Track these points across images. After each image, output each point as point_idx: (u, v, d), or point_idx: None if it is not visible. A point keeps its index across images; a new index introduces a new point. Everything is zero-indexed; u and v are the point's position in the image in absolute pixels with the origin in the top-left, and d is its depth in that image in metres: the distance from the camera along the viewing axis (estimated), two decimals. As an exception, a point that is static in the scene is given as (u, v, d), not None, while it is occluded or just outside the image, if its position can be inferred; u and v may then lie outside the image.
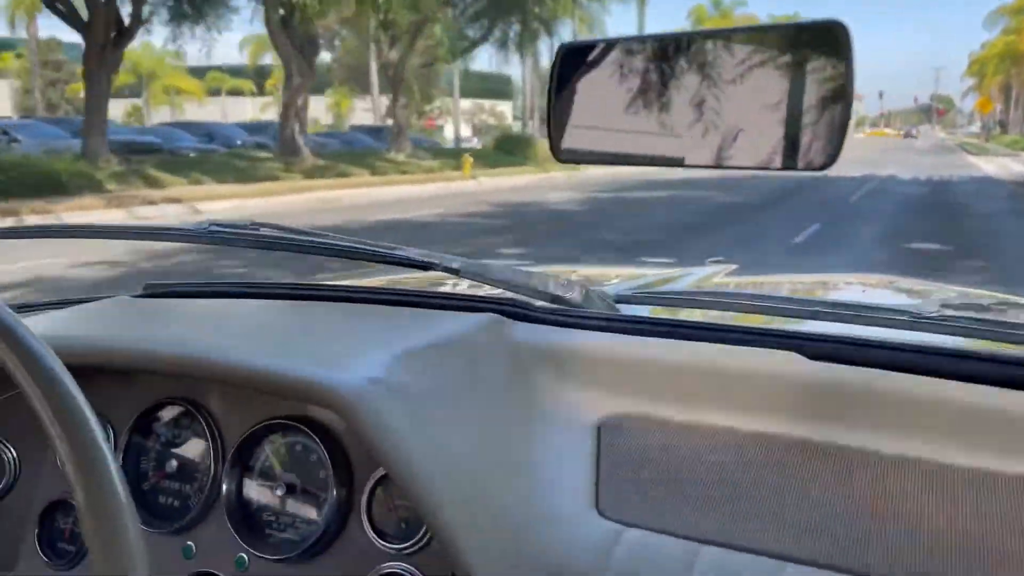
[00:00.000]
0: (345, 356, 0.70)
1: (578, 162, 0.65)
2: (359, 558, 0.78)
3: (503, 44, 24.31)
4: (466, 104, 38.10)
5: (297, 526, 0.82)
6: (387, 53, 21.97)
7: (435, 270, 0.86)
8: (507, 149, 22.44)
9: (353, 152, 20.38)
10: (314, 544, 0.78)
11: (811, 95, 0.59)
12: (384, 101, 32.62)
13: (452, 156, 20.25)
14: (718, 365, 0.72)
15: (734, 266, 1.66)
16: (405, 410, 0.64)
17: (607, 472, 0.67)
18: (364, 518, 0.78)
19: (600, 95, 0.64)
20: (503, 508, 0.63)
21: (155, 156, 16.34)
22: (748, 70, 0.60)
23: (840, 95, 0.58)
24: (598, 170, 19.44)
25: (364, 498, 0.78)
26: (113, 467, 0.45)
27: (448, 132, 35.03)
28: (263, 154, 18.18)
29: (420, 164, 19.14)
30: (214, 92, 40.64)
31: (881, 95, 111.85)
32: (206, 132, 22.47)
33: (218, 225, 0.96)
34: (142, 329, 0.82)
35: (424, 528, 0.75)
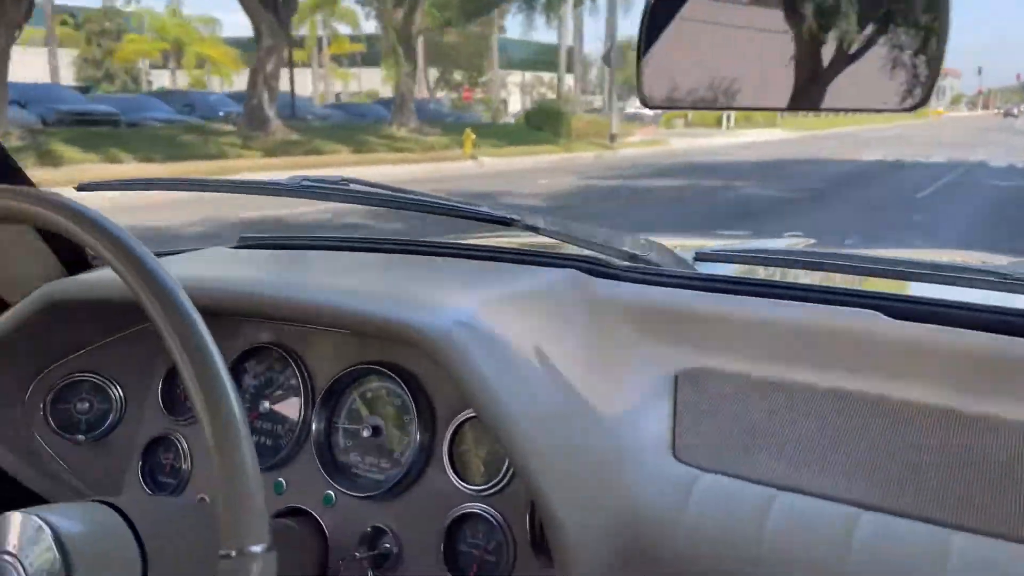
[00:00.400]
0: (434, 302, 0.73)
1: (668, 108, 0.65)
2: (439, 498, 0.81)
3: (530, 5, 21.87)
4: (523, 76, 36.49)
5: (381, 467, 0.86)
6: (392, 15, 19.54)
7: (516, 227, 0.88)
8: (537, 124, 19.95)
9: (345, 126, 18.64)
10: (397, 484, 0.82)
11: (904, 34, 0.59)
12: (433, 73, 31.15)
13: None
14: (798, 323, 0.72)
15: (812, 241, 1.64)
16: (491, 353, 0.66)
17: (684, 421, 0.69)
18: (445, 460, 0.81)
19: (695, 35, 0.65)
20: (585, 451, 0.65)
21: (100, 128, 14.92)
22: (839, 10, 0.60)
23: (933, 32, 0.57)
24: (632, 151, 17.69)
25: (446, 442, 0.82)
26: (235, 398, 0.49)
27: (512, 105, 33.55)
28: (227, 127, 16.15)
29: (422, 140, 16.74)
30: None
31: (980, 71, 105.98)
32: (187, 102, 21.00)
33: (309, 180, 1.00)
34: (243, 275, 0.87)
35: (502, 472, 0.78)
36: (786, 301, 0.73)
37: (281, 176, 1.01)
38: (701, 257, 0.86)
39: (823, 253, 0.85)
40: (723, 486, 0.63)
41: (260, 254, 1.03)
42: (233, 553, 0.47)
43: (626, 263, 0.87)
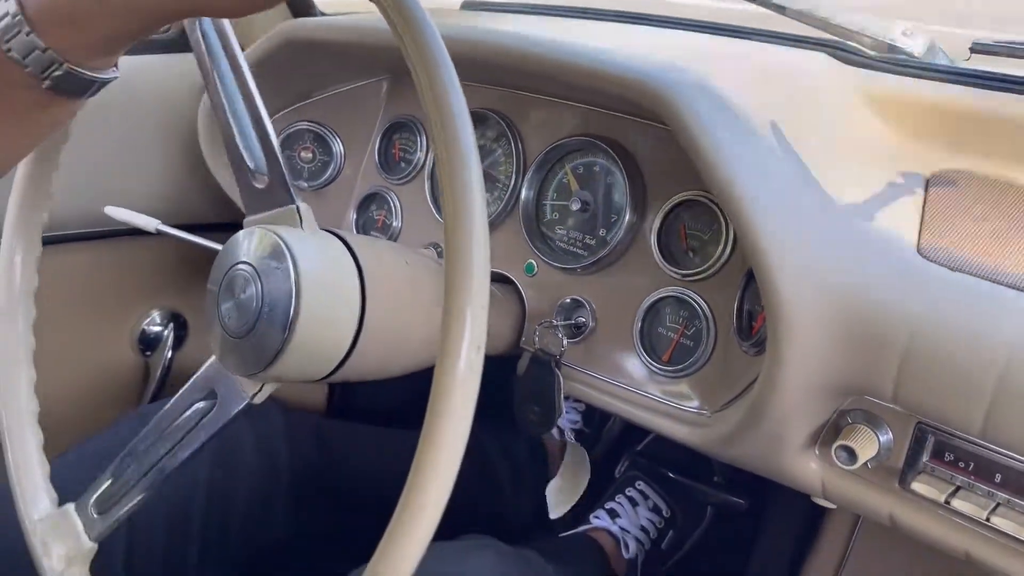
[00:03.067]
0: (672, 65, 0.68)
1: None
2: (641, 279, 0.80)
3: None
4: None
5: (586, 242, 0.86)
6: None
7: (760, 3, 0.80)
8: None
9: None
10: (600, 260, 0.82)
11: None
12: None
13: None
14: None
15: None
16: (729, 122, 0.62)
17: (932, 222, 0.62)
18: (652, 241, 0.79)
19: None
20: (820, 236, 0.61)
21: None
22: None
23: None
24: None
25: (656, 223, 0.79)
26: (472, 143, 0.47)
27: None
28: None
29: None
30: None
31: None
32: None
33: None
34: (469, 29, 0.85)
35: (712, 258, 0.75)
36: None
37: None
38: (978, 50, 0.75)
39: None
40: (966, 285, 0.57)
41: (485, 15, 1.00)
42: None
43: (884, 53, 0.78)
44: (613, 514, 1.25)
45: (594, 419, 1.39)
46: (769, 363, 0.61)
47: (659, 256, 0.79)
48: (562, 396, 0.81)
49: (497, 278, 0.91)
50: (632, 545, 1.22)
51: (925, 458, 0.63)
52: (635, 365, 0.80)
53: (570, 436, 1.36)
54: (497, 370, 0.83)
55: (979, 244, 0.60)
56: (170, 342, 1.20)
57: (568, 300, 0.85)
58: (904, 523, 0.65)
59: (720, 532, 1.28)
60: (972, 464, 0.61)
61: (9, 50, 0.44)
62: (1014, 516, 0.59)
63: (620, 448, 1.32)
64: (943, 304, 0.56)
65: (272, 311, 0.65)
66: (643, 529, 1.25)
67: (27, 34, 0.44)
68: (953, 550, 0.63)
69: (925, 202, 0.64)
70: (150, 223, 0.95)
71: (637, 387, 0.80)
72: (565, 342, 0.83)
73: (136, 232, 0.97)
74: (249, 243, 0.65)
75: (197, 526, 0.89)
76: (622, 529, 1.23)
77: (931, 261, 0.58)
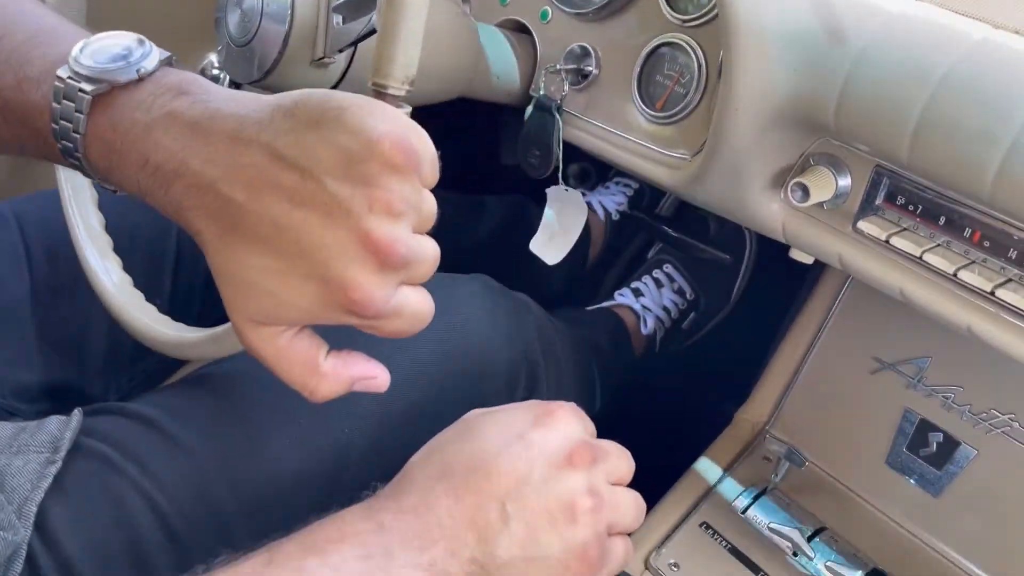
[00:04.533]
0: None
1: None
2: (647, 26, 0.81)
3: None
4: None
5: (598, -10, 0.86)
6: None
7: None
8: None
9: None
10: (610, 4, 0.82)
11: None
12: None
13: None
14: None
15: None
16: None
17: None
18: None
19: None
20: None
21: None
22: None
23: None
24: None
25: None
26: None
27: None
28: None
29: None
30: None
31: None
32: None
33: None
34: None
35: (708, 4, 0.75)
36: None
37: None
38: None
39: None
40: (913, 12, 0.57)
41: None
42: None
43: None
44: (637, 293, 1.30)
45: (642, 202, 1.42)
46: (723, 84, 0.63)
47: (664, 2, 0.79)
48: (560, 139, 0.85)
49: (514, 26, 0.93)
50: (651, 322, 1.28)
51: (879, 200, 0.65)
52: (631, 112, 0.82)
53: (615, 216, 1.40)
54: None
55: None
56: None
57: (577, 47, 0.86)
58: (850, 263, 0.68)
59: (742, 318, 1.33)
60: (920, 207, 0.63)
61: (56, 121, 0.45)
62: (948, 255, 0.61)
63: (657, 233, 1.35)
64: (886, 32, 0.56)
65: (273, 17, 0.69)
66: (665, 309, 1.30)
67: (74, 131, 0.44)
68: (891, 288, 0.66)
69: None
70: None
71: (630, 134, 0.82)
72: (567, 87, 0.85)
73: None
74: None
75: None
76: (644, 307, 1.29)
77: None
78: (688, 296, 1.32)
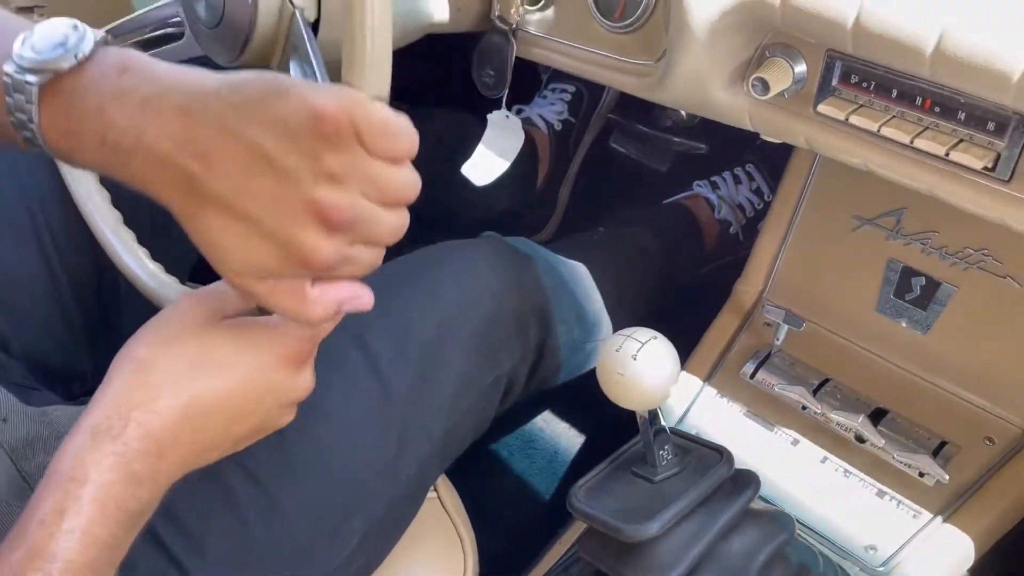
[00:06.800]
0: None
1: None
2: None
3: None
4: None
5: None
6: None
7: None
8: None
9: None
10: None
11: None
12: None
13: None
14: None
15: None
16: None
17: None
18: None
19: None
20: None
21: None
22: None
23: None
24: None
25: None
26: None
27: None
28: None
29: None
30: None
31: None
32: None
33: None
34: None
35: None
36: None
37: None
38: None
39: None
40: None
41: None
42: None
43: None
44: (714, 185, 1.34)
45: (580, 108, 1.45)
46: (674, 3, 0.67)
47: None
48: (512, 60, 0.88)
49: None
50: (725, 210, 1.32)
51: (834, 82, 0.69)
52: (591, 26, 0.85)
53: (557, 127, 1.42)
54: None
55: None
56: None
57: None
58: (816, 143, 0.72)
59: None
60: (873, 83, 0.67)
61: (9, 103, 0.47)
62: (903, 125, 0.66)
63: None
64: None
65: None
66: (740, 206, 1.33)
67: (29, 121, 0.47)
68: (856, 162, 0.71)
69: None
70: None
71: (592, 46, 0.85)
72: (522, 10, 0.87)
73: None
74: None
75: None
76: (720, 198, 1.32)
77: None
78: (766, 197, 1.34)
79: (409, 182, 0.48)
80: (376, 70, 0.50)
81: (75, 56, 0.47)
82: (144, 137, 0.45)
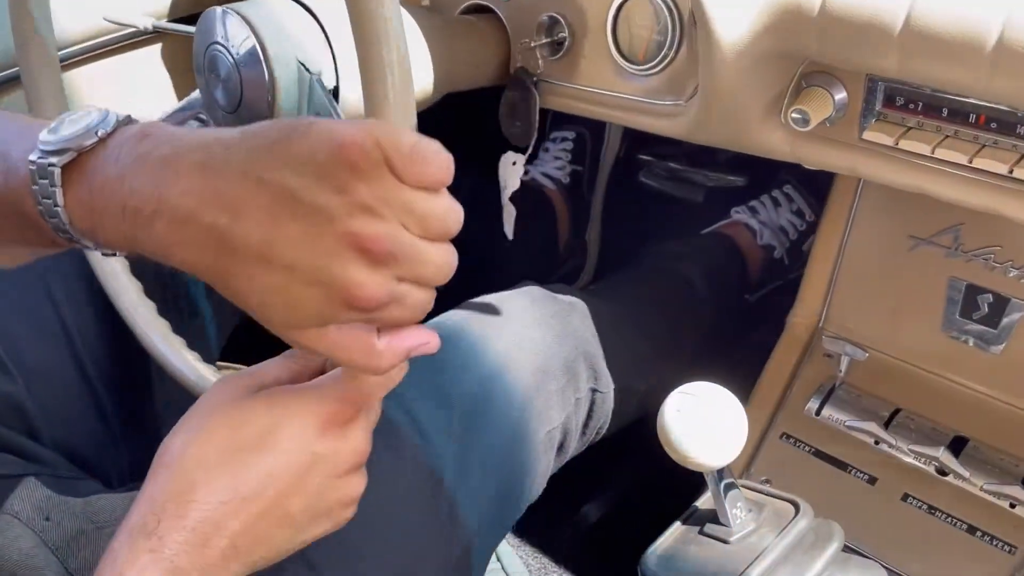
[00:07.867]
0: None
1: None
2: None
3: None
4: None
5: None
6: None
7: None
8: None
9: None
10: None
11: None
12: None
13: None
14: None
15: None
16: None
17: None
18: None
19: None
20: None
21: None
22: None
23: None
24: None
25: None
26: None
27: None
28: None
29: None
30: None
31: None
32: None
33: None
34: None
35: None
36: None
37: None
38: None
39: None
40: None
41: None
42: None
43: None
44: (753, 211, 1.30)
45: (585, 152, 1.43)
46: (700, 31, 0.64)
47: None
48: (537, 111, 0.86)
49: (476, 9, 0.92)
50: (767, 235, 1.28)
51: (878, 106, 0.66)
52: (615, 70, 0.83)
53: (566, 181, 1.41)
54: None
55: None
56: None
57: (545, 18, 0.86)
58: (864, 171, 0.69)
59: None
60: (921, 104, 0.64)
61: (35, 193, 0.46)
62: (958, 145, 0.62)
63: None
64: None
65: (250, 75, 0.71)
66: (782, 229, 1.29)
67: (54, 205, 0.46)
68: (910, 188, 0.67)
69: None
70: (146, 22, 0.99)
71: (617, 91, 0.83)
72: (541, 63, 0.86)
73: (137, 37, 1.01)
74: (219, 23, 0.70)
75: None
76: (760, 223, 1.28)
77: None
78: (808, 217, 1.30)
79: (449, 211, 0.44)
80: (400, 102, 0.47)
81: (96, 134, 0.46)
82: (166, 197, 0.43)
